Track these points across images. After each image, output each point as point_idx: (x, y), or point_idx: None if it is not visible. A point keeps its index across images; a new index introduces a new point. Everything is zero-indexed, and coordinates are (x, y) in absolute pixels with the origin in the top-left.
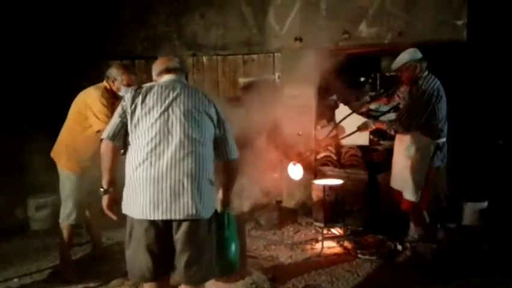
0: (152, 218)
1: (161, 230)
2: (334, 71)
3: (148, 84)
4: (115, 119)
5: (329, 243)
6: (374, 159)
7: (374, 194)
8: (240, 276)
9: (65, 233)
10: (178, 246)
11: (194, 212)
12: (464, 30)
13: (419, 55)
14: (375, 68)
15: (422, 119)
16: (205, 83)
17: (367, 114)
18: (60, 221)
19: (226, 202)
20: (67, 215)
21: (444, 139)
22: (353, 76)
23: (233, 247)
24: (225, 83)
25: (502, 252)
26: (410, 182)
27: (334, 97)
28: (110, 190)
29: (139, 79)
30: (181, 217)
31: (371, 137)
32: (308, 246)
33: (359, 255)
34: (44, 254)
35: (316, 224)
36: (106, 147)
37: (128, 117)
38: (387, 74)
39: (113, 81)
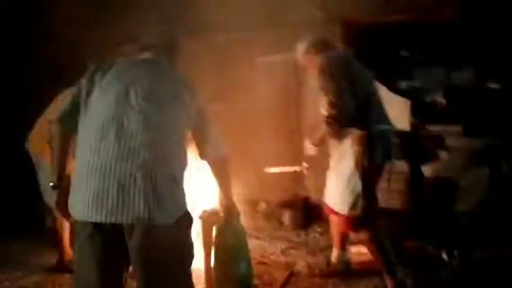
0: (93, 220)
1: (110, 235)
2: (367, 45)
3: (115, 59)
4: (68, 98)
5: (359, 249)
6: (417, 148)
7: (417, 189)
8: None
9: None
10: (132, 258)
11: (146, 215)
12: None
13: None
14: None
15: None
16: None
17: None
18: None
19: (229, 207)
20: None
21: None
22: (391, 50)
23: (242, 265)
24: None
25: None
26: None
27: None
28: (62, 185)
29: None
30: (130, 221)
31: (413, 120)
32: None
33: None
34: None
35: None
36: (54, 130)
37: (83, 96)
38: None
39: None
